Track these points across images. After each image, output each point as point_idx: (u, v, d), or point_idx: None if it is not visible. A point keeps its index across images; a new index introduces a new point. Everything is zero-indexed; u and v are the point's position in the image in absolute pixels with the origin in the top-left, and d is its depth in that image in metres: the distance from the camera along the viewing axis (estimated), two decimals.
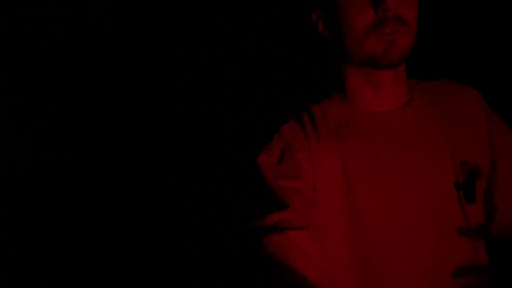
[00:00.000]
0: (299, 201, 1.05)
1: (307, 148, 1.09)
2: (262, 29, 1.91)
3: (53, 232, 1.93)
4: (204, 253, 1.88)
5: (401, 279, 1.05)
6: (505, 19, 1.78)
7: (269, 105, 1.82)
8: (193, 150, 1.93)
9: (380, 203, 1.06)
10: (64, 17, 1.92)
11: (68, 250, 1.93)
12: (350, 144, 1.09)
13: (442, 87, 1.20)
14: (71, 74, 1.96)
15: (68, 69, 1.96)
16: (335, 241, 1.06)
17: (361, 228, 1.05)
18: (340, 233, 1.06)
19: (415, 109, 1.13)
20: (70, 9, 1.92)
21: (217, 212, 1.86)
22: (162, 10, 1.95)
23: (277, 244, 1.01)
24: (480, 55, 1.80)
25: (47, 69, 1.95)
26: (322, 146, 1.09)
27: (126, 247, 1.92)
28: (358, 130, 1.11)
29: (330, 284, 1.03)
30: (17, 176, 1.93)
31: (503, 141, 1.17)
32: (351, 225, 1.06)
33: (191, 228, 1.90)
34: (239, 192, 1.28)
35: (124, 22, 1.94)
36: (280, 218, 1.03)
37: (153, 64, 1.95)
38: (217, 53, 1.94)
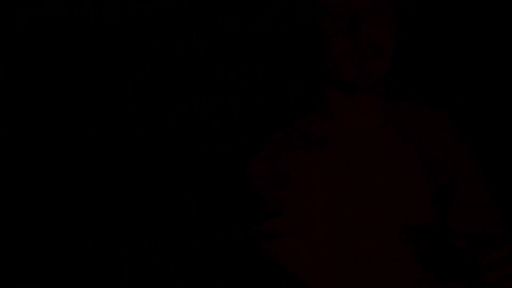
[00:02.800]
0: (290, 207, 1.09)
1: (294, 159, 1.14)
2: (249, 40, 1.92)
3: (53, 232, 1.93)
4: (200, 258, 1.88)
5: (381, 276, 1.10)
6: (505, 19, 1.79)
7: (256, 114, 1.85)
8: (180, 156, 1.95)
9: (359, 209, 1.12)
10: (64, 16, 1.93)
11: (68, 250, 1.93)
12: (332, 156, 1.15)
13: (415, 110, 1.27)
14: (70, 73, 1.96)
15: (67, 68, 1.96)
16: (322, 243, 1.10)
17: (343, 231, 1.11)
18: (325, 234, 1.11)
19: (390, 128, 1.21)
20: (70, 8, 1.92)
21: (212, 218, 1.87)
22: (159, 10, 1.95)
23: (274, 249, 1.05)
24: (480, 55, 1.81)
25: (46, 68, 1.96)
26: (307, 156, 1.15)
27: (121, 251, 1.92)
28: (339, 143, 1.17)
29: (325, 286, 1.07)
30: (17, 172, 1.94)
31: (463, 163, 1.24)
32: (334, 228, 1.11)
33: (186, 233, 1.91)
34: (232, 199, 1.30)
35: (124, 22, 1.95)
36: (275, 224, 1.07)
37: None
38: (205, 61, 1.95)
